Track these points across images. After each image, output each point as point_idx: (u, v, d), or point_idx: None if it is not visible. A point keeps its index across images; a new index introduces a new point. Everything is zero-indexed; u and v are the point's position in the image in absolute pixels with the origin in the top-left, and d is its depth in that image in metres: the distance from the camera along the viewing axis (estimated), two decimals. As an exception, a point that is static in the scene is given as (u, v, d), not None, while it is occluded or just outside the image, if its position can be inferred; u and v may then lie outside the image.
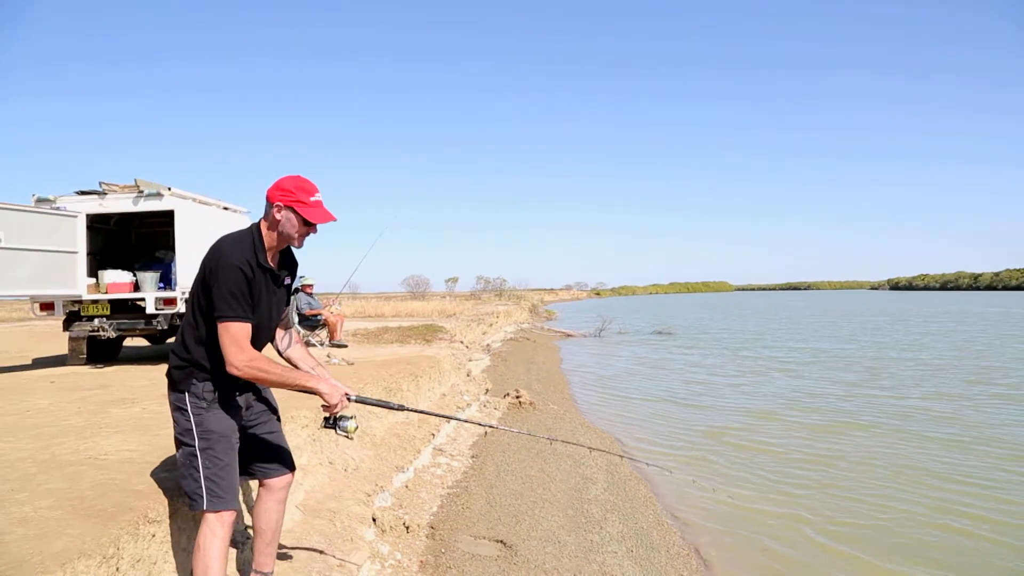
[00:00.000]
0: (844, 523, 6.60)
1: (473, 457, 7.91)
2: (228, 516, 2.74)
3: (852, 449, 9.17)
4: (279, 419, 3.19)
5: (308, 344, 11.52)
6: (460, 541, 5.53)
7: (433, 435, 7.90)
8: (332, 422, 2.97)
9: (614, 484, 7.63)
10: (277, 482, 3.10)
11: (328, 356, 9.66)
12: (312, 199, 2.74)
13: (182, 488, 2.82)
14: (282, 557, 3.77)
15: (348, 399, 2.92)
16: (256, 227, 2.80)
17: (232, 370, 2.62)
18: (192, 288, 2.84)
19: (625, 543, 5.98)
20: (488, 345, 21.47)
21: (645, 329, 35.00)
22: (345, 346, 11.88)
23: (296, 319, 11.79)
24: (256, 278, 2.70)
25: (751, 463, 8.73)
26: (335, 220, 2.81)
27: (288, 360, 3.14)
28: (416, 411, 3.59)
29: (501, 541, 5.59)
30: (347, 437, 3.07)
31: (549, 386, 15.00)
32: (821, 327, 36.48)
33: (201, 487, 2.70)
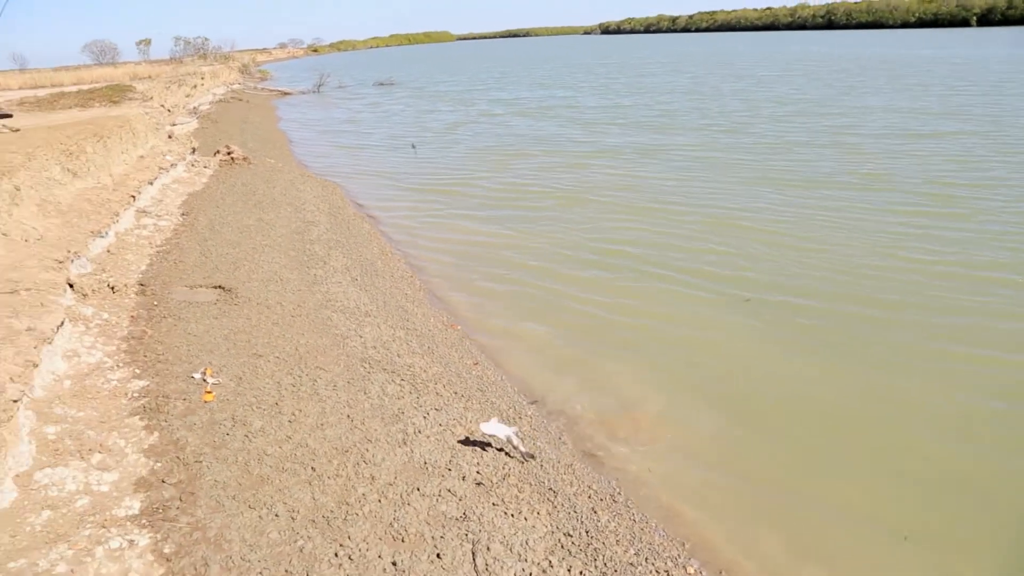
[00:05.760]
0: (567, 255, 7.46)
1: (184, 215, 7.45)
2: None
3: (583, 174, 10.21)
4: None
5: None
6: (175, 292, 5.39)
7: (134, 197, 7.25)
8: None
9: (337, 224, 7.77)
10: None
11: None
12: None
13: None
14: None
15: None
16: None
17: None
18: None
19: (350, 273, 6.28)
20: (195, 108, 19.33)
21: (367, 82, 33.92)
22: (9, 115, 10.01)
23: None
24: None
25: (482, 204, 9.37)
26: None
27: None
28: None
29: (220, 287, 5.55)
30: None
31: (267, 143, 14.22)
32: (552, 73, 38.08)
33: None
